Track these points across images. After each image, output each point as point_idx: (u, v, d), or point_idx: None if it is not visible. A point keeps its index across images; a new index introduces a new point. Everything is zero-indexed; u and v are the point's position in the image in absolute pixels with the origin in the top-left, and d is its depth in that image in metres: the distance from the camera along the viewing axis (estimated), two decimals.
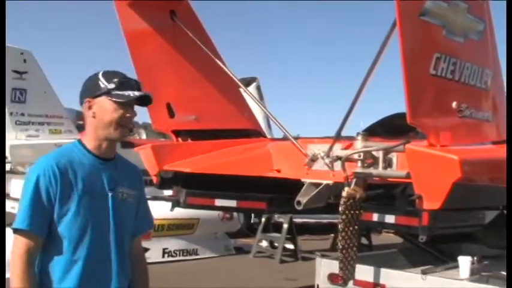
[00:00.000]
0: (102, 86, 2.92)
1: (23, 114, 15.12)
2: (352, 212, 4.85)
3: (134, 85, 2.99)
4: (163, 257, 11.38)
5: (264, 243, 12.81)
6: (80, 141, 3.02)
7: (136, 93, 2.95)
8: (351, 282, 5.50)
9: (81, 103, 3.01)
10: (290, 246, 12.43)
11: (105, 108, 2.93)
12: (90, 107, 2.95)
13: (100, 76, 2.96)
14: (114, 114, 2.92)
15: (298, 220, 13.22)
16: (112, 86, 2.91)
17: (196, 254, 11.86)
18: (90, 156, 2.96)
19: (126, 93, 2.92)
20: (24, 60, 14.98)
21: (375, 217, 5.27)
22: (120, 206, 3.00)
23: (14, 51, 14.86)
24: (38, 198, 2.80)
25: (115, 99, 2.91)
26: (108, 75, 2.96)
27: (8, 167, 15.68)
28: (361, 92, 5.32)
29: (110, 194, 2.97)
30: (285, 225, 12.09)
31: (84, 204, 2.86)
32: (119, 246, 2.99)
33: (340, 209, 4.83)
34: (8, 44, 14.85)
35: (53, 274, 2.85)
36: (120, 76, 2.98)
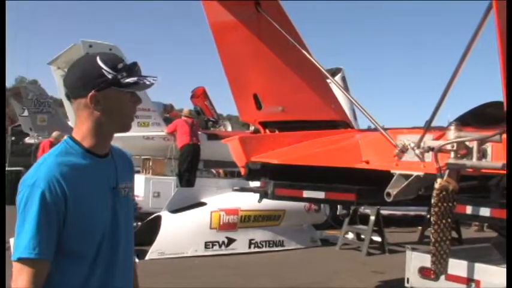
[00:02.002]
0: (108, 75, 2.48)
1: None
2: (445, 204, 4.72)
3: (138, 68, 2.57)
4: (249, 247, 11.47)
5: (350, 235, 12.70)
6: (72, 139, 2.55)
7: (151, 79, 2.55)
8: (442, 277, 5.38)
9: (77, 96, 2.53)
10: (377, 238, 12.26)
11: (118, 101, 2.52)
12: (96, 102, 2.48)
13: (100, 63, 2.49)
14: (129, 107, 2.57)
15: (384, 212, 13.03)
16: (121, 74, 2.49)
17: (282, 245, 11.86)
18: (89, 156, 2.54)
19: (141, 81, 2.53)
20: None
21: (469, 210, 5.13)
22: (124, 204, 2.66)
23: (103, 47, 15.27)
24: (46, 219, 2.36)
25: (131, 89, 2.53)
26: (109, 61, 2.51)
27: None
28: (454, 80, 5.15)
29: (114, 195, 2.61)
30: (372, 217, 11.93)
31: (92, 212, 2.50)
32: (129, 248, 2.70)
33: (432, 201, 4.71)
34: (97, 40, 15.35)
35: None
36: (120, 60, 2.54)
